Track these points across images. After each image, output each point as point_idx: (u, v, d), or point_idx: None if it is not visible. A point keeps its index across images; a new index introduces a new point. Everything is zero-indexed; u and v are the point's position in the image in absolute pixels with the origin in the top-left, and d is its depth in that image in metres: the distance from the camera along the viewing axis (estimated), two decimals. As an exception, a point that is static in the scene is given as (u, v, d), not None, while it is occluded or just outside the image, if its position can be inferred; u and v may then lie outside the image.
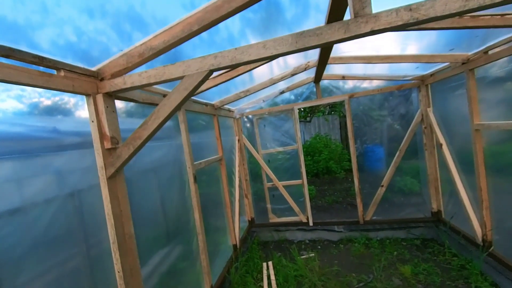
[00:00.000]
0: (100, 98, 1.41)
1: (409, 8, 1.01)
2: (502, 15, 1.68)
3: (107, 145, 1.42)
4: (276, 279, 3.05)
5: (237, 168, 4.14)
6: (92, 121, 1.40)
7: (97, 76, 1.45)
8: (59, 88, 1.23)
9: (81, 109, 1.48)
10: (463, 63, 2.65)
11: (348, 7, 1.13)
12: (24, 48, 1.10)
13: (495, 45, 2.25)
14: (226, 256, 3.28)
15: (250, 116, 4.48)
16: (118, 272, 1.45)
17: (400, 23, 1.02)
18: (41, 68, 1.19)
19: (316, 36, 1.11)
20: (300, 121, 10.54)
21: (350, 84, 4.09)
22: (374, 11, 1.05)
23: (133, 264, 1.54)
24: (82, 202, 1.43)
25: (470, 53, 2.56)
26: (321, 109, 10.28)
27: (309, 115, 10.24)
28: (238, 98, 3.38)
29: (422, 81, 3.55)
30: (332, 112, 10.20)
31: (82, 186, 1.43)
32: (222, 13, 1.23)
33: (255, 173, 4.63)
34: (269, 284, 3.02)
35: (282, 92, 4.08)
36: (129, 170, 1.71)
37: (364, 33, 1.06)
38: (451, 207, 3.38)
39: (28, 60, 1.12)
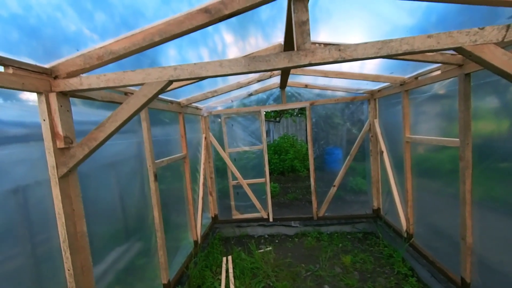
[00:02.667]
0: (53, 97, 1.39)
1: (338, 48, 1.24)
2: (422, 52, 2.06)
3: (60, 144, 1.41)
4: (234, 272, 3.25)
5: (202, 166, 4.21)
6: (44, 120, 1.38)
7: (51, 74, 1.42)
8: (6, 86, 1.19)
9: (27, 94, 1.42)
10: (400, 84, 3.12)
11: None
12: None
13: (423, 73, 2.72)
14: (186, 252, 3.36)
15: (218, 114, 4.56)
16: (68, 270, 1.47)
17: (331, 59, 1.24)
18: None
19: (266, 62, 1.28)
20: (270, 121, 10.90)
21: (316, 91, 4.43)
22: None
23: (84, 262, 1.56)
24: (27, 199, 1.41)
25: (406, 77, 3.03)
26: (289, 111, 10.75)
27: (279, 115, 10.63)
28: (205, 98, 3.45)
29: (371, 95, 4.04)
30: (300, 115, 10.74)
31: (27, 182, 1.40)
32: (183, 28, 1.33)
33: (221, 171, 4.75)
34: (227, 277, 3.20)
35: (250, 95, 4.25)
36: (85, 165, 1.69)
37: (304, 64, 1.26)
38: (387, 205, 3.95)
39: (-29, 56, 1.08)
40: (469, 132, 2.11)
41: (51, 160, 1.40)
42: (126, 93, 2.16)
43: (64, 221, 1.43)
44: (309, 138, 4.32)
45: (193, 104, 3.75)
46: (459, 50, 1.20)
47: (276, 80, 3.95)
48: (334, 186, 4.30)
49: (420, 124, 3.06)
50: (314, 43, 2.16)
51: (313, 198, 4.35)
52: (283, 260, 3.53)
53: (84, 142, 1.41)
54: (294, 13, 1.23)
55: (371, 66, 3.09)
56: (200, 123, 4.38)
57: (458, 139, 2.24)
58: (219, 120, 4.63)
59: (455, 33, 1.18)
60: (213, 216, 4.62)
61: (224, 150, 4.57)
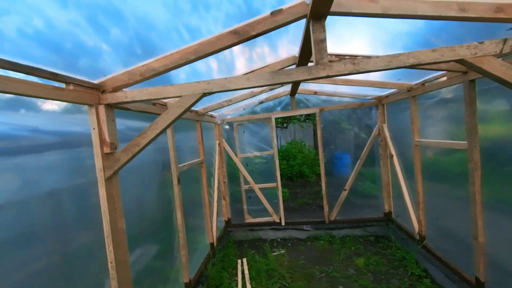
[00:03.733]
0: (102, 109, 1.60)
1: (353, 62, 1.41)
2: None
3: (106, 150, 1.61)
4: (249, 273, 3.36)
5: (216, 171, 4.38)
6: (94, 129, 1.59)
7: (99, 89, 1.64)
8: (68, 100, 1.41)
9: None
10: (408, 90, 3.25)
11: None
12: (41, 66, 1.28)
13: (429, 80, 2.85)
14: (204, 253, 3.50)
15: (230, 121, 4.76)
16: (111, 262, 1.64)
17: (346, 72, 1.41)
18: (45, 80, 1.35)
19: (288, 75, 1.46)
20: (277, 127, 11.08)
21: (323, 96, 4.59)
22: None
23: (123, 256, 1.73)
24: (78, 198, 1.60)
25: (413, 83, 3.16)
26: (297, 116, 10.91)
27: (286, 121, 10.80)
28: (221, 106, 3.66)
29: (379, 100, 4.17)
30: (307, 120, 10.88)
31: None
32: (214, 48, 1.53)
33: (233, 176, 4.91)
34: (243, 278, 3.31)
35: (261, 102, 4.45)
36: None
37: (322, 76, 1.43)
38: (398, 208, 4.01)
39: (45, 76, 1.29)
40: (476, 135, 2.22)
41: (99, 163, 1.60)
42: (154, 104, 2.38)
43: (108, 218, 1.62)
44: (319, 143, 4.46)
45: (208, 112, 3.96)
46: (461, 62, 1.35)
47: (286, 88, 4.14)
48: (345, 190, 4.39)
49: (428, 128, 3.17)
50: (331, 55, 2.33)
51: (324, 202, 4.44)
52: (296, 262, 3.62)
53: (128, 147, 1.60)
54: (313, 33, 1.41)
55: (377, 73, 3.24)
56: (214, 130, 4.58)
57: (466, 142, 2.34)
58: (231, 127, 4.83)
59: (457, 47, 1.34)
60: (226, 219, 4.75)
61: (236, 156, 4.74)
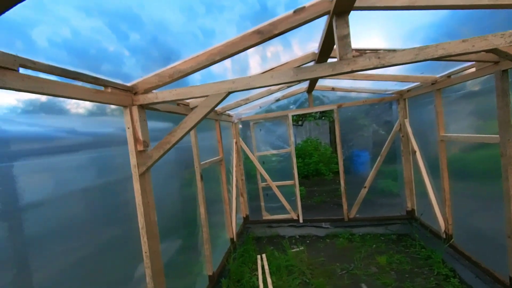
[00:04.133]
0: (135, 109, 1.72)
1: (378, 56, 1.40)
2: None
3: (140, 147, 1.73)
4: (269, 269, 3.42)
5: (234, 169, 4.47)
6: (128, 128, 1.71)
7: (132, 91, 1.76)
8: (107, 101, 1.53)
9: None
10: (432, 84, 3.13)
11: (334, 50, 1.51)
12: (85, 71, 1.41)
13: (456, 72, 2.73)
14: (224, 248, 3.60)
15: (246, 120, 4.83)
16: (145, 252, 1.76)
17: (371, 66, 1.41)
18: (85, 84, 1.48)
19: (311, 71, 1.48)
20: (292, 125, 11.03)
21: (340, 93, 4.52)
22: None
23: (156, 247, 1.85)
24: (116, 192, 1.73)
25: (437, 76, 3.04)
26: (313, 114, 10.77)
27: (301, 119, 10.71)
28: (238, 105, 3.73)
29: (400, 95, 4.04)
30: (323, 117, 10.72)
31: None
32: (239, 48, 1.59)
33: (249, 174, 4.98)
34: (263, 273, 3.37)
35: (277, 100, 4.47)
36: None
37: (346, 72, 1.44)
38: (422, 206, 3.87)
39: (88, 80, 1.42)
40: (509, 128, 2.11)
41: (133, 160, 1.72)
42: (178, 104, 2.49)
43: (142, 211, 1.74)
44: (337, 140, 4.41)
45: (226, 111, 4.06)
46: (494, 51, 1.31)
47: (303, 85, 4.13)
48: (365, 187, 4.31)
49: (454, 123, 3.03)
50: (356, 50, 2.31)
51: (343, 199, 4.39)
52: (316, 259, 3.62)
53: (160, 145, 1.71)
54: (336, 29, 1.43)
55: (397, 67, 3.14)
56: (230, 130, 4.67)
57: (498, 136, 2.23)
58: (246, 126, 4.90)
59: (490, 36, 1.29)
60: (244, 216, 4.84)
61: (253, 154, 4.80)
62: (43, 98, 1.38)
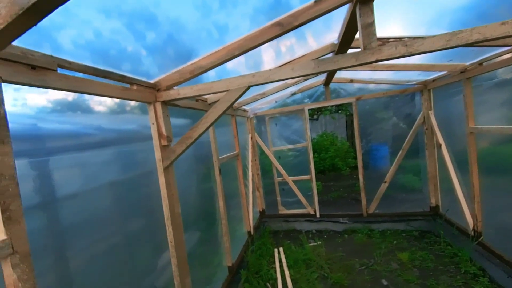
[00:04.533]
0: (158, 106, 1.78)
1: (405, 44, 1.34)
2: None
3: (164, 142, 1.80)
4: (287, 262, 3.45)
5: (250, 163, 4.51)
6: (153, 124, 1.78)
7: (155, 87, 1.82)
8: (133, 98, 1.60)
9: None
10: (461, 72, 2.93)
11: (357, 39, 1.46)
12: (113, 70, 1.48)
13: (488, 58, 2.53)
14: (242, 241, 3.68)
15: (262, 115, 4.82)
16: (171, 242, 1.84)
17: (398, 55, 1.35)
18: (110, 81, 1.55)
19: (333, 62, 1.45)
20: (308, 119, 10.86)
21: (357, 85, 4.37)
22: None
23: (180, 237, 1.93)
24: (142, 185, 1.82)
25: (467, 64, 2.84)
26: (328, 107, 10.52)
27: (316, 113, 10.51)
28: (254, 100, 3.73)
29: (424, 85, 3.83)
30: (339, 111, 10.44)
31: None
32: (258, 42, 1.58)
33: (265, 169, 5.00)
34: (281, 265, 3.41)
35: (293, 94, 4.42)
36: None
37: (370, 61, 1.39)
38: (447, 202, 3.69)
39: (116, 78, 1.49)
40: (552, 117, 1.93)
41: (158, 154, 1.80)
42: (197, 100, 2.54)
43: (167, 203, 1.82)
44: (356, 134, 4.28)
45: (242, 106, 4.08)
46: (538, 33, 1.20)
47: (320, 77, 4.03)
48: (385, 182, 4.18)
49: (485, 114, 2.83)
50: (378, 39, 2.22)
51: (362, 194, 4.29)
52: (334, 254, 3.59)
53: (183, 140, 1.77)
54: (360, 17, 1.38)
55: (422, 56, 2.96)
56: (245, 125, 4.70)
57: (537, 126, 2.05)
58: (260, 121, 4.89)
59: (533, 17, 1.19)
60: (260, 210, 4.89)
61: (269, 149, 4.81)
62: (70, 97, 1.47)
